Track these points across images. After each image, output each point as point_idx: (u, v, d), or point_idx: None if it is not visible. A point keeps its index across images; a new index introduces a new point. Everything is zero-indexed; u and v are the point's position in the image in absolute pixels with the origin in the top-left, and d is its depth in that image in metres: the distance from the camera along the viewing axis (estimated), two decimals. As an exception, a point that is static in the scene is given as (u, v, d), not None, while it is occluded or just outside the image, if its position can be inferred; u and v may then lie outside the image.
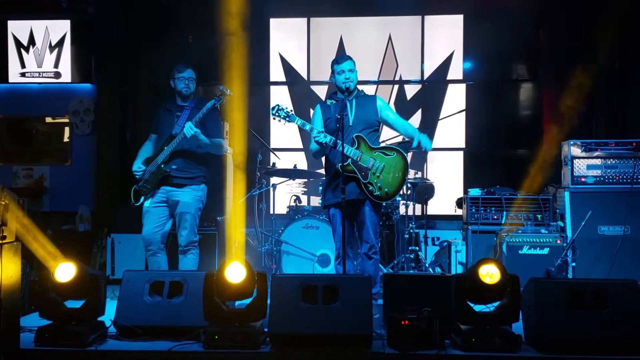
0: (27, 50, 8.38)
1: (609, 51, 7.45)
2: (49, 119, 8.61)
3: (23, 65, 8.42)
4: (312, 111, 7.51)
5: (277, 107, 5.40)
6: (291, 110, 5.40)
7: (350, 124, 5.29)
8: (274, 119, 5.40)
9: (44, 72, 8.38)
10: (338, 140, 5.14)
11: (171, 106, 5.75)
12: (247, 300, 4.25)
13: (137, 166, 5.67)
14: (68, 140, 8.50)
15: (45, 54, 8.37)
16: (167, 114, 5.73)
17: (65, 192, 8.36)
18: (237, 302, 4.43)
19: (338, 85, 5.39)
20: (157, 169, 5.57)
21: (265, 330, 4.20)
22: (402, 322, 4.04)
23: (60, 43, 8.34)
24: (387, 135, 7.15)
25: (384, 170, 5.21)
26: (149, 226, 5.61)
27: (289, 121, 5.36)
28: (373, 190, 5.20)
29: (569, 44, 7.73)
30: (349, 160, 5.13)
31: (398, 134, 5.70)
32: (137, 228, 6.61)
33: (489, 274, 4.13)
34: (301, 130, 8.09)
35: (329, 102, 5.51)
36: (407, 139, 5.53)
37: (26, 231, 4.65)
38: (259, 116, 7.99)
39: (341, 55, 5.51)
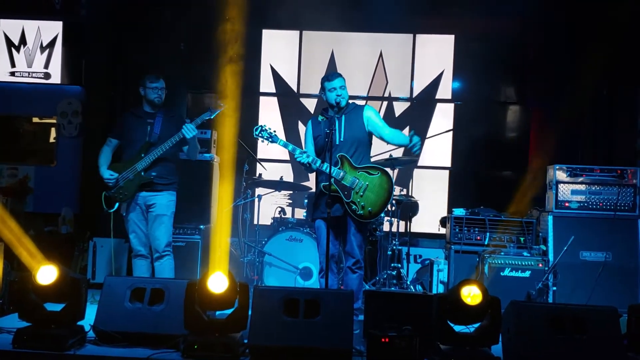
0: (17, 49, 8.33)
1: (596, 77, 7.54)
2: (35, 119, 8.57)
3: (13, 65, 8.37)
4: (300, 124, 7.56)
5: (260, 127, 5.45)
6: (274, 131, 5.46)
7: (338, 142, 5.34)
8: (257, 139, 5.46)
9: (34, 72, 8.34)
10: (318, 160, 5.25)
11: (141, 114, 5.82)
12: (228, 311, 4.24)
13: (109, 174, 5.68)
14: (54, 141, 8.45)
15: (36, 54, 8.33)
16: (138, 121, 5.78)
17: (49, 193, 8.28)
18: (217, 312, 4.42)
19: (329, 101, 5.42)
20: (136, 176, 5.60)
21: (245, 341, 4.18)
22: (383, 340, 4.05)
23: (52, 44, 8.30)
24: (376, 151, 7.17)
25: (368, 189, 5.26)
26: (137, 232, 5.70)
27: (271, 142, 5.42)
28: (356, 209, 5.24)
29: (558, 69, 7.80)
30: (332, 180, 5.16)
31: (388, 146, 5.74)
32: (120, 233, 6.61)
33: (471, 295, 4.14)
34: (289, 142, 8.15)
35: (320, 118, 5.55)
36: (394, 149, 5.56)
37: (9, 231, 4.63)
38: (247, 126, 7.97)
39: (331, 73, 5.56)
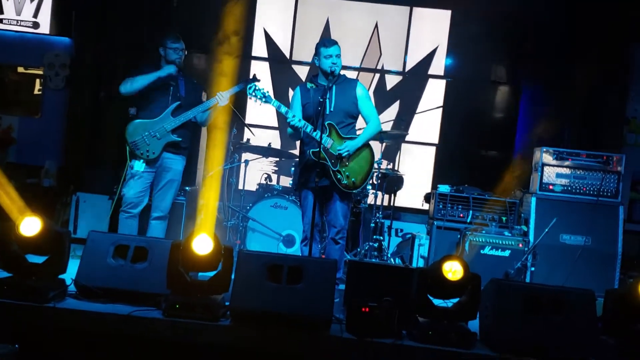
0: (7, -3, 8.20)
1: (588, 64, 7.56)
2: (21, 69, 8.45)
3: (1, 12, 8.22)
4: (291, 91, 7.52)
5: (254, 86, 5.43)
6: (268, 92, 5.44)
7: (328, 112, 5.32)
8: (250, 98, 5.44)
9: (22, 20, 8.20)
10: (309, 125, 5.25)
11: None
12: (211, 273, 4.25)
13: (173, 68, 5.77)
14: (39, 92, 8.35)
15: (25, 2, 8.18)
16: (160, 80, 5.74)
17: (32, 145, 8.19)
18: (200, 274, 4.43)
19: (323, 68, 5.39)
20: (164, 136, 5.67)
21: (227, 304, 4.20)
22: (363, 309, 4.08)
23: (42, -7, 8.18)
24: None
25: (351, 159, 5.29)
26: (136, 190, 5.72)
27: (265, 102, 5.41)
28: (341, 178, 5.28)
29: (550, 53, 7.80)
30: (320, 147, 5.16)
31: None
32: (103, 189, 6.59)
33: (452, 270, 4.17)
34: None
35: (309, 85, 5.53)
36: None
37: (-7, 180, 4.59)
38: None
39: (328, 39, 5.52)
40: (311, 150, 5.29)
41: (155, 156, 5.70)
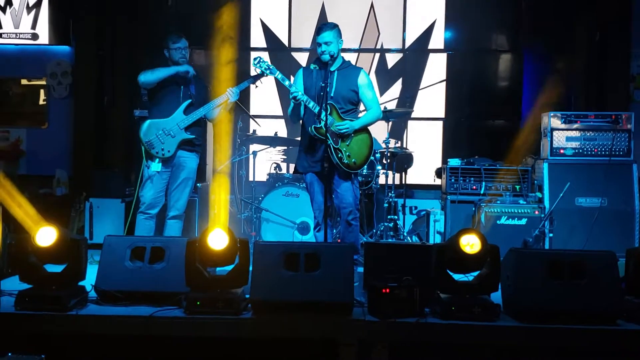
0: (3, 11, 8.15)
1: (588, 24, 7.50)
2: (24, 81, 8.47)
3: (-1, 26, 8.25)
4: (292, 78, 7.50)
5: (259, 58, 5.51)
6: (272, 65, 5.49)
7: (329, 97, 5.30)
8: (256, 70, 5.55)
9: (21, 33, 8.20)
10: (311, 101, 5.26)
11: None
12: (229, 267, 4.25)
13: (187, 67, 5.79)
14: (44, 102, 8.37)
15: (22, 14, 8.17)
16: (170, 79, 5.77)
17: (42, 156, 8.24)
18: (218, 269, 4.44)
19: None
20: (178, 133, 5.69)
21: (247, 297, 4.21)
22: (383, 290, 4.07)
23: (38, 4, 8.13)
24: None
25: (352, 140, 5.31)
26: (154, 190, 5.75)
27: (270, 73, 5.49)
28: (342, 157, 5.29)
29: (550, 16, 7.75)
30: (322, 124, 5.15)
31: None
32: (115, 193, 6.61)
33: (470, 243, 4.15)
34: (281, 97, 8.10)
35: (312, 66, 5.52)
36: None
37: (6, 194, 4.61)
38: (239, 82, 7.92)
39: (322, 25, 5.46)
40: (313, 125, 5.27)
41: (171, 154, 5.72)
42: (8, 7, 8.18)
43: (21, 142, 8.32)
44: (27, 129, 8.37)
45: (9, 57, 8.28)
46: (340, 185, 5.38)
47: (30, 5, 8.16)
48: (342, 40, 5.39)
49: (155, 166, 5.70)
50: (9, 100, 8.47)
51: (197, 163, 5.94)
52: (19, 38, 8.21)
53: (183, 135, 5.72)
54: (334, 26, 5.36)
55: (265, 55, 8.30)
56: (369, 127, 5.52)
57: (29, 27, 8.19)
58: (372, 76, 8.09)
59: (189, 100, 5.76)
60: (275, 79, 5.48)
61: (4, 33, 8.21)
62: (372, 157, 5.71)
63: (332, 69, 5.34)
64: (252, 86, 5.90)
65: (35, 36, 8.20)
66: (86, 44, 8.13)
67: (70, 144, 8.20)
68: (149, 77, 5.70)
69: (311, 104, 5.25)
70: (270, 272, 4.18)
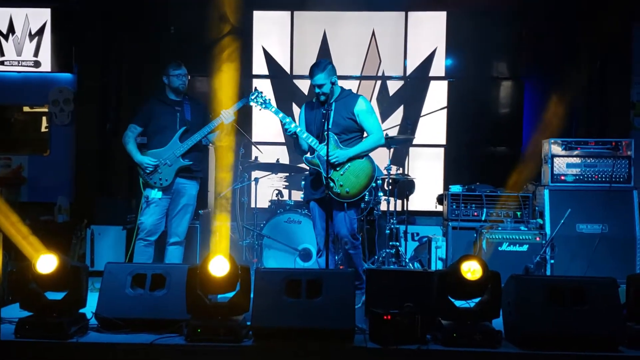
0: (6, 38, 8.23)
1: (590, 51, 7.54)
2: (26, 108, 8.52)
3: (2, 54, 8.28)
4: (294, 105, 7.57)
5: (256, 92, 5.63)
6: (269, 99, 5.63)
7: (329, 126, 5.33)
8: (251, 103, 5.65)
9: (24, 60, 8.26)
10: (304, 131, 5.40)
11: (168, 101, 5.91)
12: (230, 294, 4.25)
13: (148, 159, 5.74)
14: (46, 130, 8.41)
15: (24, 42, 8.24)
16: (165, 107, 5.88)
17: (43, 183, 8.25)
18: (219, 296, 4.43)
19: None
20: (175, 162, 5.72)
21: (248, 324, 4.19)
22: (385, 317, 4.06)
23: (40, 32, 8.21)
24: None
25: (349, 170, 5.33)
26: (154, 217, 5.78)
27: (264, 108, 5.59)
28: (333, 187, 5.31)
29: (551, 44, 7.80)
30: (315, 154, 5.26)
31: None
32: (116, 220, 6.61)
33: (471, 270, 4.15)
34: (283, 124, 8.12)
35: (314, 99, 5.61)
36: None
37: (7, 221, 4.61)
38: (241, 109, 7.95)
39: (313, 66, 5.47)
40: (305, 157, 5.45)
41: (169, 183, 5.75)
42: (11, 34, 8.25)
43: (23, 169, 8.34)
44: (29, 156, 8.40)
45: (11, 84, 8.33)
46: (336, 215, 5.43)
47: (33, 33, 8.22)
48: (335, 76, 5.43)
49: (155, 194, 5.74)
50: (11, 128, 8.52)
51: (197, 190, 5.97)
52: (22, 65, 8.27)
53: (180, 162, 5.75)
54: (325, 67, 5.39)
55: (267, 83, 8.41)
56: (370, 155, 5.53)
57: (31, 54, 8.25)
58: (374, 103, 8.12)
59: (184, 127, 5.80)
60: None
61: (6, 60, 8.27)
62: (373, 184, 5.69)
63: (331, 100, 5.41)
64: (254, 113, 5.94)
65: (37, 64, 8.26)
66: (89, 71, 8.20)
67: (71, 171, 8.23)
68: (124, 141, 5.87)
69: (304, 135, 5.32)
70: (272, 299, 4.17)
